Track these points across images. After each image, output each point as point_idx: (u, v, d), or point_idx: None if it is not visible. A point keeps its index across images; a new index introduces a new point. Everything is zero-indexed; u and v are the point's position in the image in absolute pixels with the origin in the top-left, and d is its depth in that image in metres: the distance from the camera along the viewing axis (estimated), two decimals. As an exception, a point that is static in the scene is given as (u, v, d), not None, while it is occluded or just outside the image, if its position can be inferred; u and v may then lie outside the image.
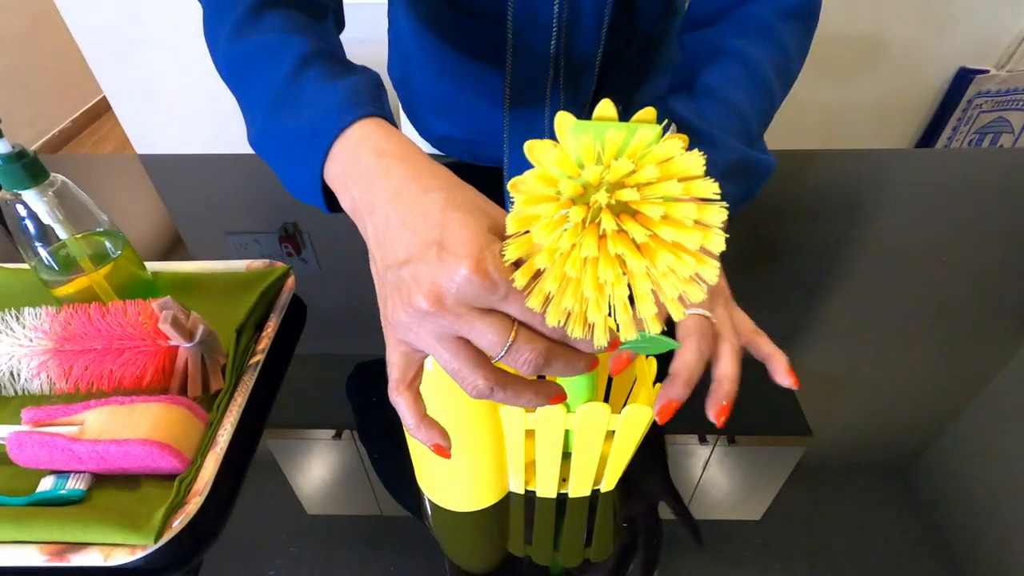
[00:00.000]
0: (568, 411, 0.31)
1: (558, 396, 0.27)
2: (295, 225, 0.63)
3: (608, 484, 0.37)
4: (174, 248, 0.60)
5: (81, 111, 2.52)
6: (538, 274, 0.21)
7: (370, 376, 0.47)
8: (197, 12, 0.44)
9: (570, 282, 0.21)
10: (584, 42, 0.53)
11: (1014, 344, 0.50)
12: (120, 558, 0.33)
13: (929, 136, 1.60)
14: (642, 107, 0.21)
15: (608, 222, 0.19)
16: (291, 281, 0.52)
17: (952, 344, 0.51)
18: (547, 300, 0.21)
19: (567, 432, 0.32)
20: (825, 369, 0.49)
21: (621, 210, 0.20)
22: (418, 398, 0.28)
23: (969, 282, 0.57)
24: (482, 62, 0.57)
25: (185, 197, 0.69)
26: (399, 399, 0.27)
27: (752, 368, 0.43)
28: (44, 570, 0.34)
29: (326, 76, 0.34)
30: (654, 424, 0.31)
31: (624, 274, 0.20)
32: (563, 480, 0.37)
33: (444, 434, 0.28)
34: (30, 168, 0.39)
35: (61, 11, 1.26)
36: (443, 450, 0.28)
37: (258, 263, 0.53)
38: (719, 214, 0.19)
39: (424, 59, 0.63)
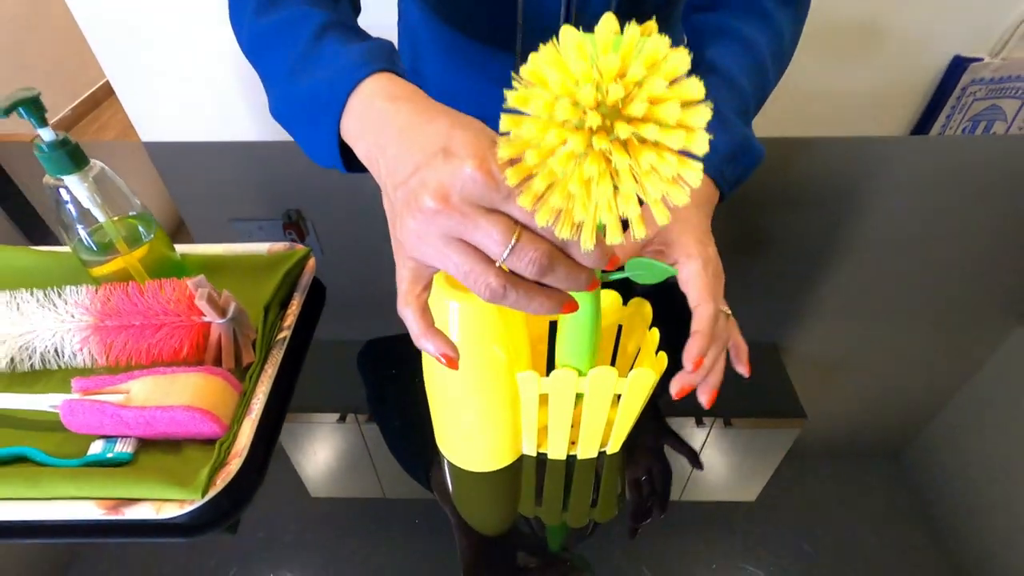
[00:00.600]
0: (580, 375, 0.34)
1: (569, 305, 0.28)
2: (298, 212, 0.66)
3: (614, 446, 0.40)
4: (179, 234, 0.63)
5: (81, 99, 2.52)
6: (531, 176, 0.22)
7: (385, 347, 0.50)
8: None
9: (558, 180, 0.21)
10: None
11: (1006, 330, 0.52)
12: (170, 511, 0.36)
13: (923, 124, 1.62)
14: None
15: (594, 120, 0.20)
16: (312, 262, 0.54)
17: (945, 330, 0.53)
18: (538, 199, 0.22)
19: (578, 395, 0.36)
20: (819, 354, 0.51)
21: (610, 111, 0.20)
22: (425, 311, 0.29)
23: (963, 269, 0.59)
24: (492, 47, 0.59)
25: (189, 184, 0.72)
26: (406, 311, 0.29)
27: (750, 354, 0.46)
28: (100, 523, 0.37)
29: (342, 41, 0.37)
30: (655, 402, 0.35)
31: (609, 173, 0.21)
32: (572, 443, 0.40)
33: (450, 344, 0.29)
34: (72, 155, 0.41)
35: (65, -3, 1.27)
36: (452, 360, 0.29)
37: (279, 246, 0.55)
38: (703, 115, 0.20)
39: (434, 47, 0.66)
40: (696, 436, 0.44)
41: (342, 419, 0.45)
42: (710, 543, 0.38)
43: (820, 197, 0.69)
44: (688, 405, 0.45)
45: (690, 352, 0.35)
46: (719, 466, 0.42)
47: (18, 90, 0.38)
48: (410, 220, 0.26)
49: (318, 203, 0.68)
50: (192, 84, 1.43)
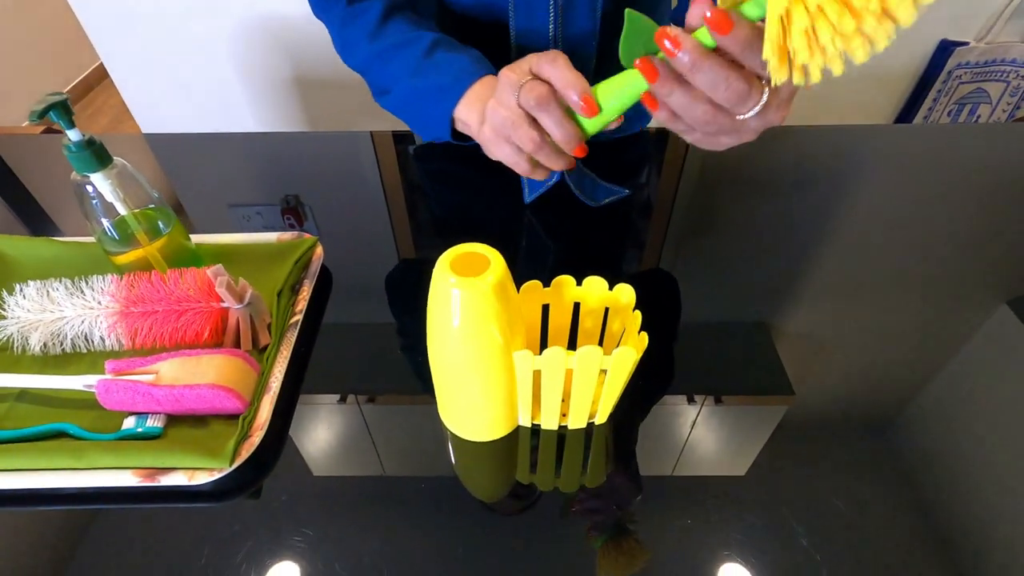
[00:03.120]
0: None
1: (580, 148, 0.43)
2: (296, 198, 0.69)
3: (601, 417, 0.44)
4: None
5: (73, 84, 2.50)
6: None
7: (390, 328, 0.54)
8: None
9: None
10: (580, 24, 0.59)
11: (988, 310, 0.55)
12: (201, 478, 0.40)
13: (910, 107, 1.65)
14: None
15: None
16: (319, 250, 0.58)
17: (929, 310, 0.55)
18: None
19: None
20: (807, 333, 0.53)
21: None
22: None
23: (946, 251, 0.62)
24: (486, 48, 0.62)
25: (186, 172, 0.75)
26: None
27: (738, 333, 0.49)
28: (137, 490, 0.41)
29: (452, 51, 0.55)
30: (645, 379, 0.39)
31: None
32: (563, 415, 0.44)
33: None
34: (97, 154, 0.44)
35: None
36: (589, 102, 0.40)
37: (288, 235, 0.59)
38: None
39: None
40: (687, 412, 0.46)
41: (352, 395, 0.49)
42: (698, 515, 0.40)
43: (809, 182, 0.72)
44: (680, 382, 0.49)
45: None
46: (708, 441, 0.44)
47: (48, 95, 0.41)
48: (490, 114, 0.45)
49: (314, 190, 0.71)
50: (188, 68, 1.44)
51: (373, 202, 0.69)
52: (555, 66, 0.41)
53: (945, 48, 1.51)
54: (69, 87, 2.48)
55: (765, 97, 0.34)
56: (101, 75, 2.56)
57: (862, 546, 0.39)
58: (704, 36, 0.33)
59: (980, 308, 0.56)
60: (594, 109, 0.40)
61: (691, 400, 0.47)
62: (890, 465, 0.43)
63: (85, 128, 0.45)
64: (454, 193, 0.72)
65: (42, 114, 0.40)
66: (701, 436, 0.45)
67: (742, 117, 0.36)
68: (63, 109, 0.41)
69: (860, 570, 0.38)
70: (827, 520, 0.40)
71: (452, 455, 0.45)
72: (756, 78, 0.34)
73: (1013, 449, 0.44)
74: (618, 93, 0.39)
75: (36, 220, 0.68)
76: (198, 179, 0.74)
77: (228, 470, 0.41)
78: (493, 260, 0.36)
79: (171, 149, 0.79)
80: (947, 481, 0.42)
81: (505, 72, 0.44)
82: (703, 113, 0.35)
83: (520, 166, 0.46)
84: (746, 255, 0.62)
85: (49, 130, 0.92)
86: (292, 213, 0.67)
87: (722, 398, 0.47)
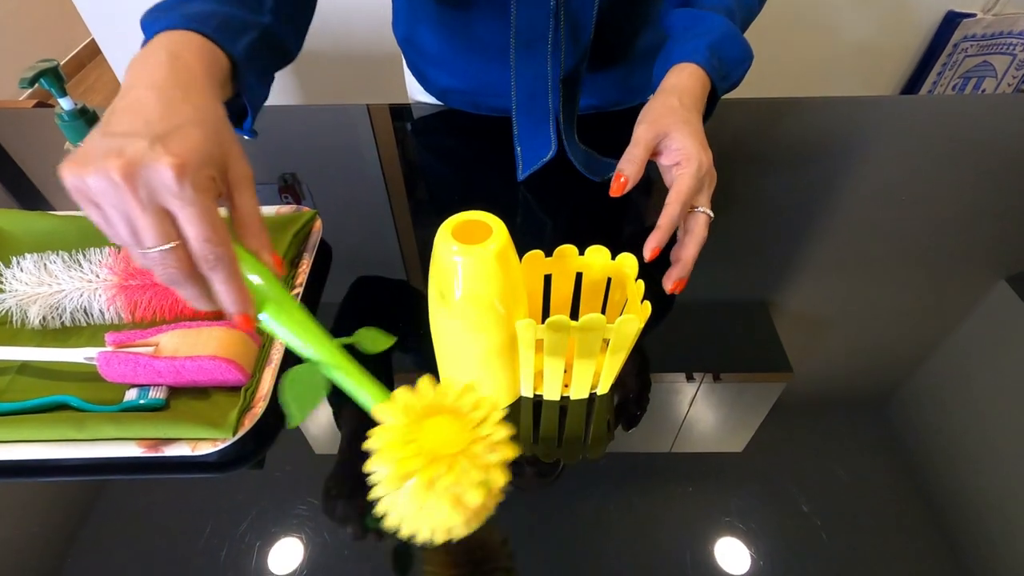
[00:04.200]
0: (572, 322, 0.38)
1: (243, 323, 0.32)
2: (294, 175, 0.68)
3: (603, 388, 0.44)
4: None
5: (64, 60, 2.46)
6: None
7: (390, 302, 0.54)
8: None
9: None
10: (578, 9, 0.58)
11: (990, 285, 0.54)
12: (204, 449, 0.40)
13: (915, 80, 1.63)
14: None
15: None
16: (319, 224, 0.57)
17: (929, 286, 0.55)
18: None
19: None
20: (806, 311, 0.53)
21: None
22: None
23: (947, 225, 0.61)
24: (485, 19, 0.61)
25: None
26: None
27: (739, 311, 0.49)
28: (141, 460, 0.41)
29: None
30: (646, 352, 0.38)
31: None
32: (565, 386, 0.44)
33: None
34: (91, 123, 0.44)
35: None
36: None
37: (286, 208, 0.58)
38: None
39: (428, 18, 0.67)
40: (686, 390, 0.46)
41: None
42: (697, 491, 0.40)
43: (810, 156, 0.71)
44: (679, 359, 0.49)
45: (649, 243, 0.45)
46: (707, 418, 0.45)
47: (39, 61, 0.40)
48: (95, 165, 0.28)
49: (311, 166, 0.70)
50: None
51: (370, 178, 0.68)
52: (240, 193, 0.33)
53: (951, 20, 1.49)
54: (60, 64, 2.44)
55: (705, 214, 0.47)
56: (93, 51, 2.51)
57: (859, 516, 0.39)
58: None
59: (982, 284, 0.55)
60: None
61: (690, 377, 0.47)
62: (886, 441, 0.43)
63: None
64: (453, 168, 0.71)
65: (32, 81, 0.39)
66: (699, 411, 0.45)
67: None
68: (54, 76, 0.40)
69: (856, 536, 0.38)
70: (826, 495, 0.40)
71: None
72: (697, 214, 0.47)
73: (1009, 425, 0.45)
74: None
75: (27, 195, 0.67)
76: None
77: (231, 440, 0.41)
78: (496, 228, 0.35)
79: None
80: (943, 457, 0.42)
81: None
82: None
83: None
84: (747, 230, 0.62)
85: (41, 104, 0.91)
86: (290, 191, 0.66)
87: (721, 375, 0.47)
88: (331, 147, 0.73)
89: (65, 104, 0.42)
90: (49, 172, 0.70)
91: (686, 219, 0.48)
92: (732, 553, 0.37)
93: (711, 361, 0.48)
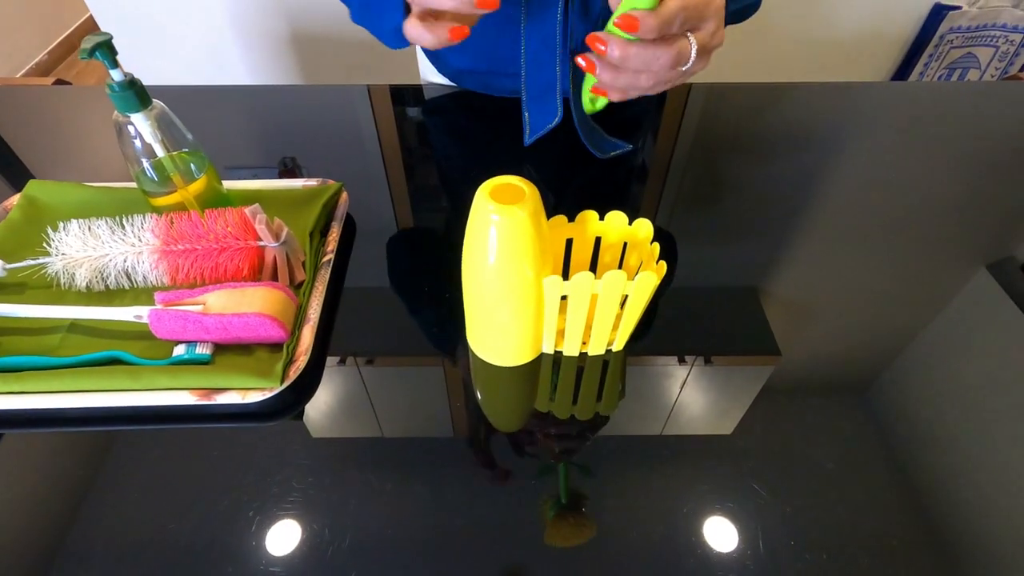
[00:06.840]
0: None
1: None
2: (294, 160, 0.70)
3: (619, 344, 0.48)
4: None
5: (57, 42, 2.44)
6: None
7: (412, 267, 0.57)
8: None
9: None
10: None
11: (975, 270, 0.56)
12: (253, 397, 0.43)
13: (902, 71, 1.68)
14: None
15: None
16: (344, 196, 0.60)
17: (915, 271, 0.57)
18: None
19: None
20: (794, 294, 0.54)
21: None
22: None
23: (935, 211, 0.63)
24: None
25: (179, 132, 0.74)
26: None
27: (726, 295, 0.51)
28: (193, 409, 0.44)
29: None
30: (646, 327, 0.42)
31: None
32: (584, 344, 0.48)
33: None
34: (139, 95, 0.46)
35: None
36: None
37: (312, 182, 0.61)
38: None
39: None
40: (677, 373, 0.48)
41: (385, 326, 0.52)
42: (688, 474, 0.41)
43: (800, 141, 0.74)
44: (672, 344, 0.51)
45: (588, 37, 0.40)
46: (698, 401, 0.46)
47: (93, 34, 0.43)
48: None
49: (311, 150, 0.71)
50: (180, 24, 1.42)
51: (371, 157, 0.71)
52: None
53: (938, 12, 1.54)
54: (53, 45, 2.42)
55: (694, 50, 0.40)
56: (86, 32, 2.49)
57: (845, 497, 0.40)
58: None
59: (967, 269, 0.56)
60: None
61: (681, 360, 0.49)
62: (874, 424, 0.44)
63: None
64: (465, 145, 0.74)
65: (91, 52, 0.41)
66: (690, 395, 0.46)
67: (684, 69, 0.42)
68: (108, 49, 0.43)
69: (841, 515, 0.39)
70: (810, 476, 0.41)
71: (480, 379, 0.48)
72: (681, 37, 0.40)
73: (991, 408, 0.46)
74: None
75: (39, 172, 0.68)
76: (195, 136, 0.75)
77: (278, 389, 0.44)
78: (528, 191, 0.38)
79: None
80: (928, 437, 0.44)
81: None
82: (646, 80, 0.42)
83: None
84: (736, 214, 0.64)
85: (60, 81, 0.92)
86: (289, 176, 0.68)
87: (711, 358, 0.49)
88: (332, 127, 0.76)
89: (116, 75, 0.44)
90: (71, 148, 0.72)
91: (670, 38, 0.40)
92: (720, 533, 0.39)
93: (701, 344, 0.50)
